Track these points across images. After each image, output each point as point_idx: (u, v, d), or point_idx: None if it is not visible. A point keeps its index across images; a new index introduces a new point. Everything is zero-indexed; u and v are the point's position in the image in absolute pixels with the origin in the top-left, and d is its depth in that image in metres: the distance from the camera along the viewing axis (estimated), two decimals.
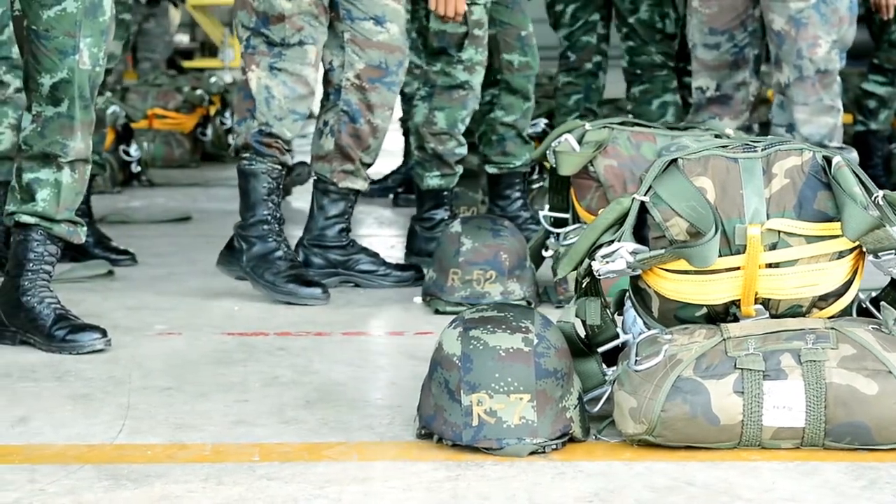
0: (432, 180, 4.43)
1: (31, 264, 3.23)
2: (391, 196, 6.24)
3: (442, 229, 4.36)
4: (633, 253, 2.47)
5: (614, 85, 5.61)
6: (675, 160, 2.49)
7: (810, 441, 2.39)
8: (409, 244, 4.45)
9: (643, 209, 2.50)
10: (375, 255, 4.08)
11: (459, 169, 4.46)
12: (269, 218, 3.80)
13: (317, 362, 3.12)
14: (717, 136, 3.69)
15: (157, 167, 7.25)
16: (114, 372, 3.01)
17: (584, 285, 2.61)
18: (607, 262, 2.48)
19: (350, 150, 3.94)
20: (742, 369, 2.39)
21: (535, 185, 5.05)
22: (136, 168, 6.64)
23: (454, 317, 2.55)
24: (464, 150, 4.44)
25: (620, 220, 2.51)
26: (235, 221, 3.87)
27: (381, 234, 5.35)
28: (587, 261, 2.55)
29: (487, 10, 4.42)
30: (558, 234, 3.78)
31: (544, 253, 3.84)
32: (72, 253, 4.23)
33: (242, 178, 3.83)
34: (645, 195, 2.48)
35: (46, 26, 3.13)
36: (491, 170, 4.76)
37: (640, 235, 2.52)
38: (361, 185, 4.02)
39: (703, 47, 4.15)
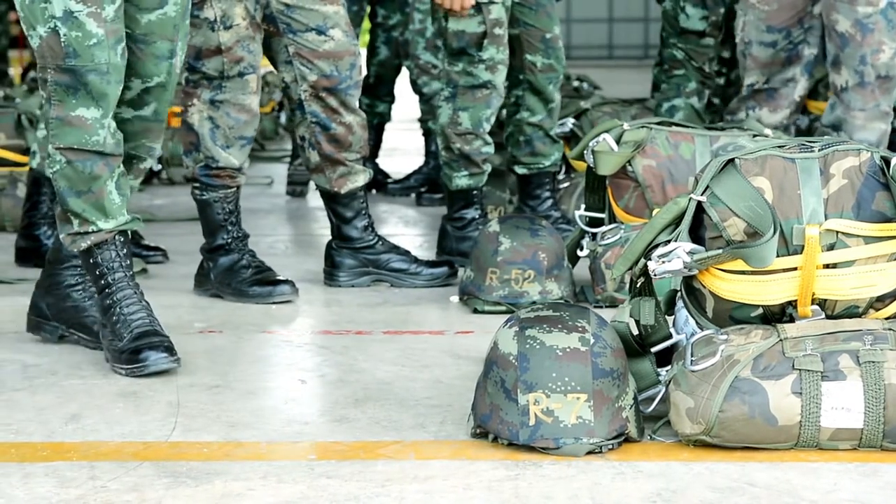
0: (461, 180, 4.42)
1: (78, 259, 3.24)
2: (413, 195, 6.23)
3: (473, 228, 4.36)
4: (691, 253, 2.47)
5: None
6: (732, 160, 2.48)
7: (868, 442, 2.39)
8: (441, 244, 4.44)
9: (700, 209, 2.49)
10: (406, 252, 4.08)
11: (487, 167, 4.45)
12: (230, 240, 3.85)
13: (361, 361, 3.11)
14: (755, 136, 3.70)
15: (176, 165, 7.24)
16: None
17: (638, 285, 2.61)
18: (664, 262, 2.48)
19: (335, 156, 3.94)
20: (800, 370, 2.39)
21: (562, 186, 5.04)
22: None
23: (509, 316, 2.55)
24: (490, 149, 4.43)
25: (677, 220, 2.51)
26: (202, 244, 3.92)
27: (407, 233, 5.34)
28: (643, 260, 2.55)
29: (507, 8, 4.40)
30: (595, 234, 3.78)
31: (579, 253, 3.84)
32: None
33: (198, 205, 3.90)
34: (702, 195, 2.48)
35: (145, 31, 3.09)
36: (521, 170, 4.74)
37: (695, 235, 2.52)
38: (363, 179, 4.02)
39: (758, 45, 4.09)
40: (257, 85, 3.80)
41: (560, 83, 4.65)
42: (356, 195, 4.02)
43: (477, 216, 4.40)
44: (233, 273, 3.80)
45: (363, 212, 4.04)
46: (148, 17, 3.08)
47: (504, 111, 4.78)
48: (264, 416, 2.67)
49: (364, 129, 3.98)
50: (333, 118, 3.89)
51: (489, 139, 4.42)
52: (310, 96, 3.87)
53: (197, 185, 3.86)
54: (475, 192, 4.42)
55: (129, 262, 3.07)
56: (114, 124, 3.00)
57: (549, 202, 4.72)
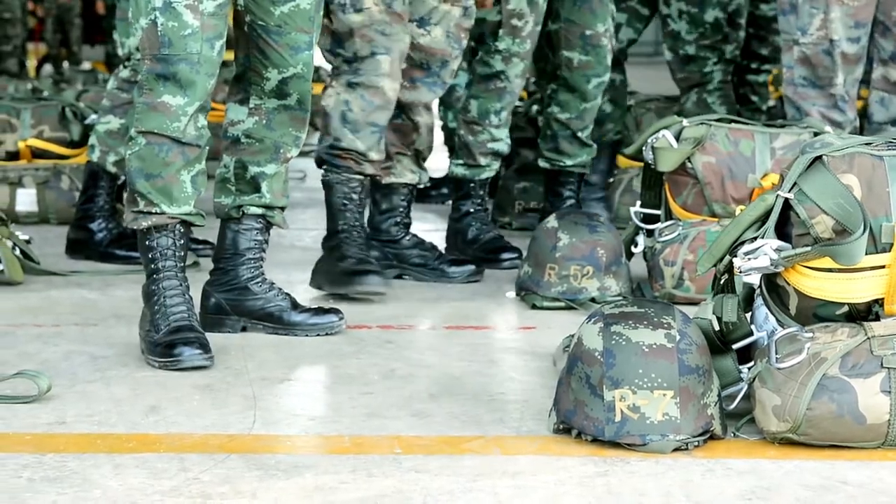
0: (457, 168, 4.38)
1: (251, 252, 3.29)
2: None
3: (469, 223, 4.30)
4: (778, 250, 2.46)
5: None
6: (819, 157, 2.47)
7: None
8: (447, 239, 4.41)
9: (787, 206, 2.48)
10: (431, 248, 4.06)
11: (490, 163, 4.37)
12: (346, 226, 3.78)
13: (428, 356, 3.10)
14: (815, 133, 3.69)
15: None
16: (228, 362, 3.00)
17: (722, 282, 2.60)
18: (750, 259, 2.47)
19: (390, 147, 3.93)
20: (889, 368, 2.37)
21: (611, 179, 5.03)
22: None
23: (591, 312, 2.54)
24: (498, 146, 4.33)
25: (764, 217, 2.50)
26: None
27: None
28: (727, 257, 2.54)
29: (535, 3, 4.32)
30: (651, 231, 3.77)
31: (634, 249, 3.83)
32: None
33: (324, 189, 3.85)
34: (789, 192, 2.46)
35: (279, 22, 3.13)
36: (542, 164, 4.70)
37: (781, 232, 2.51)
38: (409, 178, 4.01)
39: (847, 42, 3.97)
40: (391, 68, 3.73)
41: (604, 85, 4.57)
42: (397, 190, 4.01)
43: (473, 210, 4.34)
44: (334, 264, 3.75)
45: (400, 209, 4.02)
46: (281, 8, 3.12)
47: (535, 108, 4.76)
48: (342, 409, 2.67)
49: (430, 133, 3.96)
50: (405, 111, 3.89)
51: (498, 135, 4.35)
52: None
53: (323, 167, 3.82)
54: (472, 184, 4.37)
55: (183, 254, 3.07)
56: (202, 118, 3.00)
57: (571, 202, 4.65)
